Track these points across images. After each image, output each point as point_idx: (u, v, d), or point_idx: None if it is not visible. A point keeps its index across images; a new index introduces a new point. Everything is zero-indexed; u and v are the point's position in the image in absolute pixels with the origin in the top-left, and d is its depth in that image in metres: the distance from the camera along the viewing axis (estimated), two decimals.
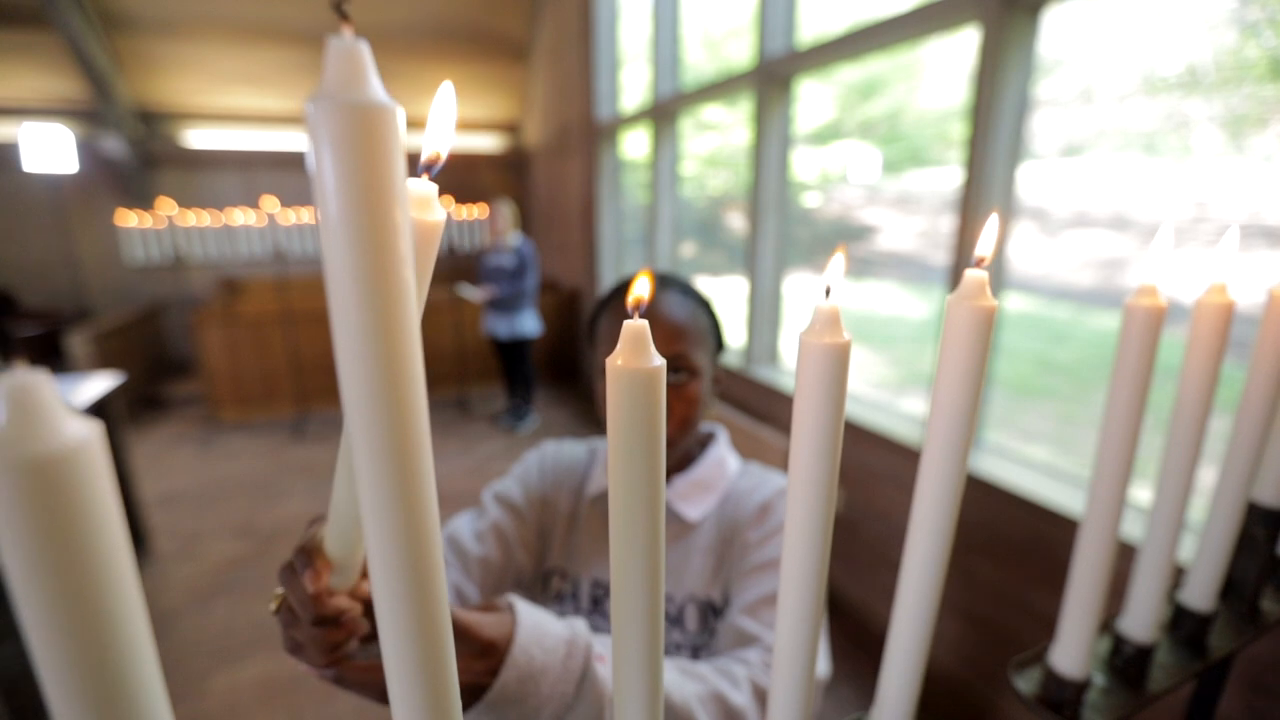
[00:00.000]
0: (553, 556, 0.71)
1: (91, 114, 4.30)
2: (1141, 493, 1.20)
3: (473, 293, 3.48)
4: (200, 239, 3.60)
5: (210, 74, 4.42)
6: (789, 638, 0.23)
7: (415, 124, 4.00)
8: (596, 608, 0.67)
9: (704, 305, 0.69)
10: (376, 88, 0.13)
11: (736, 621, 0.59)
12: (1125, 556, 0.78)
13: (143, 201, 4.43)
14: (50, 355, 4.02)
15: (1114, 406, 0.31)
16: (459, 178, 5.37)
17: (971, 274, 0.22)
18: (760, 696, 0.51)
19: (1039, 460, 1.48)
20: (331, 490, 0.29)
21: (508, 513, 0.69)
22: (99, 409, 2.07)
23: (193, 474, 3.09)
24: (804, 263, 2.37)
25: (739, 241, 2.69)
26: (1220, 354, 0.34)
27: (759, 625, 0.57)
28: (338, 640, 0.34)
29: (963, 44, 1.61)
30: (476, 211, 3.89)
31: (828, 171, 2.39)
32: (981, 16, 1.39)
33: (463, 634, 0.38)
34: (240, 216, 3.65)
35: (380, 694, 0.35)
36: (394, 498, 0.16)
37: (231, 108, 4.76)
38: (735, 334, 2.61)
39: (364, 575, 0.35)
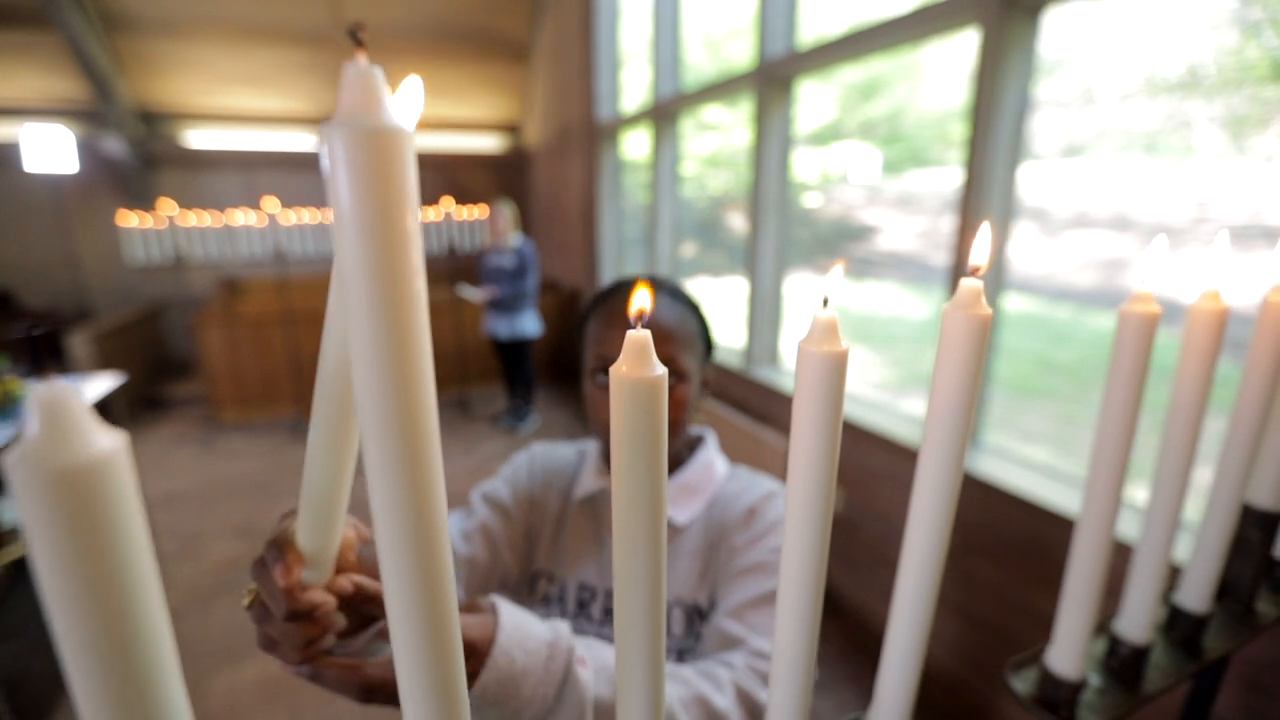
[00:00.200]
0: (540, 559, 0.70)
1: (92, 114, 4.30)
2: (1138, 492, 1.20)
3: (473, 293, 3.49)
4: (201, 239, 3.61)
5: (211, 74, 4.42)
6: (788, 639, 0.24)
7: (419, 125, 3.99)
8: (582, 610, 0.67)
9: (693, 309, 0.69)
10: (390, 111, 0.14)
11: (721, 624, 0.59)
12: (1121, 557, 0.78)
13: (143, 202, 4.43)
14: (51, 355, 4.02)
15: (1109, 410, 0.32)
16: (459, 178, 5.37)
17: (966, 283, 0.23)
18: (743, 699, 0.51)
19: (1038, 461, 1.49)
20: (301, 491, 0.29)
21: (496, 513, 0.69)
22: (100, 409, 2.08)
23: (193, 474, 3.10)
24: (804, 263, 2.37)
25: (739, 242, 2.69)
26: (1214, 358, 0.34)
27: (744, 628, 0.57)
28: (312, 636, 0.33)
29: (963, 44, 1.62)
30: (477, 212, 3.89)
31: (828, 172, 2.39)
32: (981, 18, 1.39)
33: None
34: (241, 217, 3.66)
35: (358, 691, 0.34)
36: (405, 496, 0.17)
37: (232, 108, 4.76)
38: (735, 334, 2.61)
39: (339, 569, 0.34)
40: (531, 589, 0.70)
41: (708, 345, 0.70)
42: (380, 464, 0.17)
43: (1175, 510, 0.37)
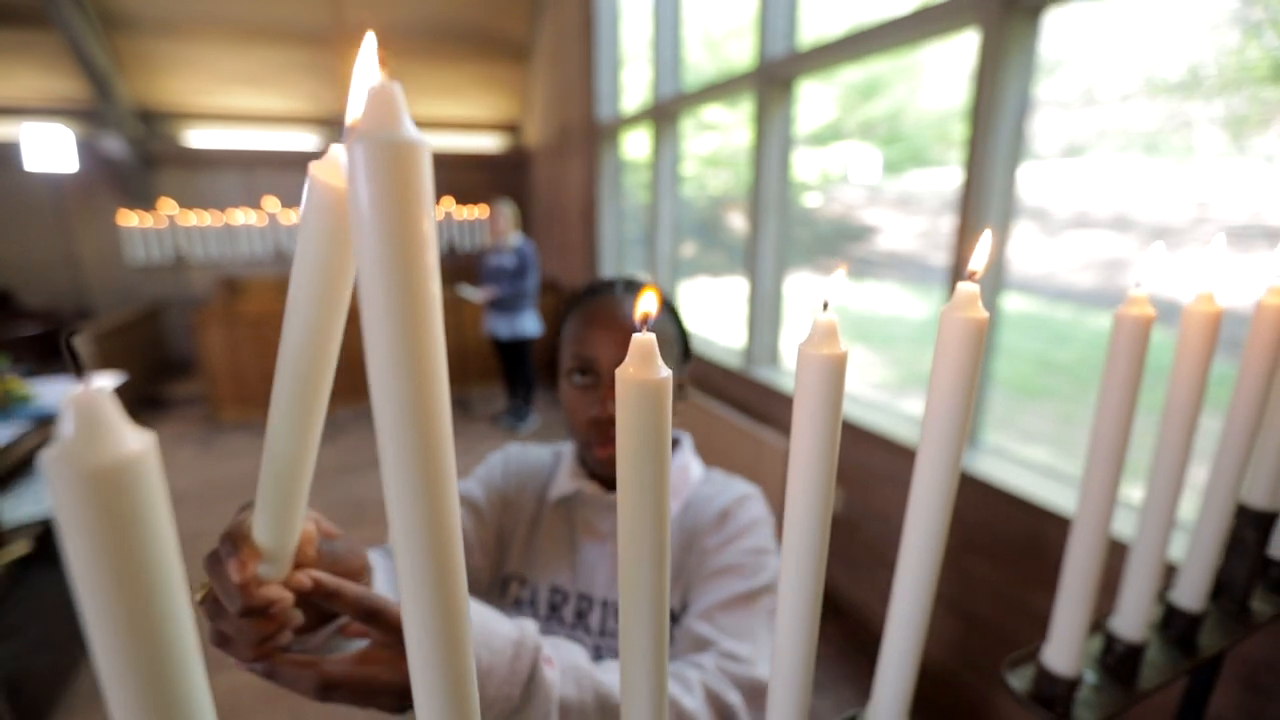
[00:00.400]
0: (511, 561, 0.70)
1: (92, 114, 4.30)
2: (1135, 491, 1.21)
3: (473, 293, 3.49)
4: (201, 239, 3.61)
5: (211, 74, 4.42)
6: (789, 640, 0.24)
7: (419, 125, 4.00)
8: (554, 614, 0.66)
9: (670, 312, 0.69)
10: (409, 126, 0.15)
11: (692, 626, 0.59)
12: (1117, 555, 0.78)
13: (144, 201, 4.43)
14: (50, 356, 4.02)
15: (1104, 411, 0.32)
16: (460, 178, 5.37)
17: (963, 287, 0.23)
18: (712, 700, 0.51)
19: (1037, 461, 1.49)
20: (259, 483, 0.28)
21: (468, 513, 0.68)
22: None
23: (193, 474, 3.11)
24: (805, 263, 2.38)
25: (739, 242, 2.70)
26: (1208, 360, 0.35)
27: (714, 630, 0.58)
28: (267, 632, 0.32)
29: (963, 45, 1.62)
30: (477, 212, 3.90)
31: (828, 172, 2.40)
32: (982, 19, 1.39)
33: (402, 631, 0.36)
34: (241, 216, 3.66)
35: (315, 688, 0.33)
36: (420, 492, 0.18)
37: (232, 108, 4.77)
38: (735, 334, 2.62)
39: (298, 565, 0.33)
40: (503, 592, 0.69)
41: (685, 349, 0.70)
42: (396, 458, 0.17)
43: (1171, 509, 0.37)
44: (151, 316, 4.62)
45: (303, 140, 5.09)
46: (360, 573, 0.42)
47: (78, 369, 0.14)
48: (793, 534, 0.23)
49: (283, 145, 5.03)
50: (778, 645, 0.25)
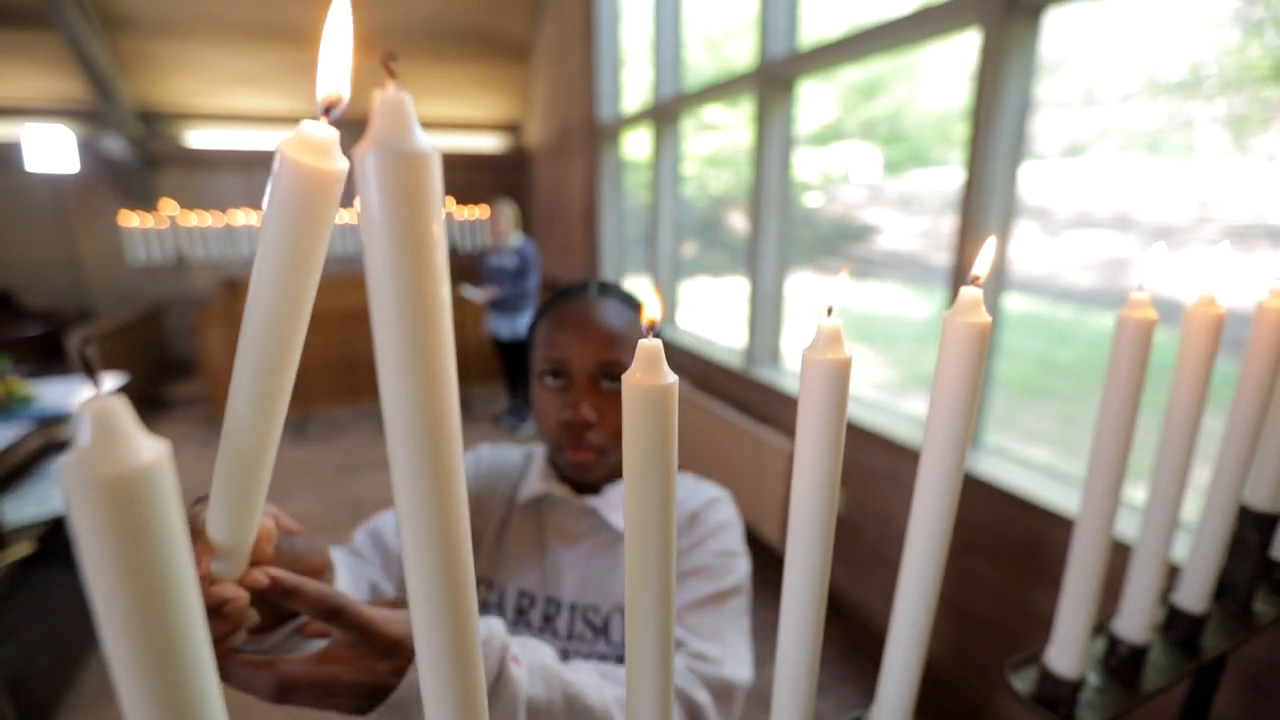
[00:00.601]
0: (479, 564, 0.69)
1: (93, 114, 4.31)
2: (1137, 492, 1.21)
3: (474, 293, 3.49)
4: (202, 239, 3.62)
5: (212, 74, 4.43)
6: (792, 644, 0.25)
7: (420, 125, 4.01)
8: (521, 618, 0.66)
9: (640, 314, 0.68)
10: (420, 136, 0.15)
11: None
12: (1120, 556, 0.78)
13: (145, 202, 4.44)
14: (52, 356, 4.03)
15: (1107, 413, 0.32)
16: (461, 178, 5.37)
17: (967, 292, 0.23)
18: (682, 700, 0.51)
19: (1038, 461, 1.49)
20: (215, 475, 0.26)
21: None
22: None
23: (195, 474, 3.11)
24: (805, 263, 2.38)
25: (740, 241, 2.70)
26: (1210, 363, 0.35)
27: (683, 631, 0.58)
28: (221, 633, 0.31)
29: (964, 45, 1.62)
30: (478, 212, 3.90)
31: (829, 172, 2.40)
32: (983, 19, 1.39)
33: (366, 630, 0.35)
34: (242, 217, 3.67)
35: (272, 690, 0.32)
36: (429, 491, 0.18)
37: (233, 108, 4.77)
38: (736, 334, 2.62)
39: (255, 562, 0.32)
40: None
41: None
42: (406, 461, 0.17)
43: (1173, 512, 0.37)
44: (153, 317, 4.62)
45: None
46: (321, 570, 0.41)
47: (92, 377, 0.14)
48: (798, 538, 0.23)
49: None
50: (782, 648, 0.25)
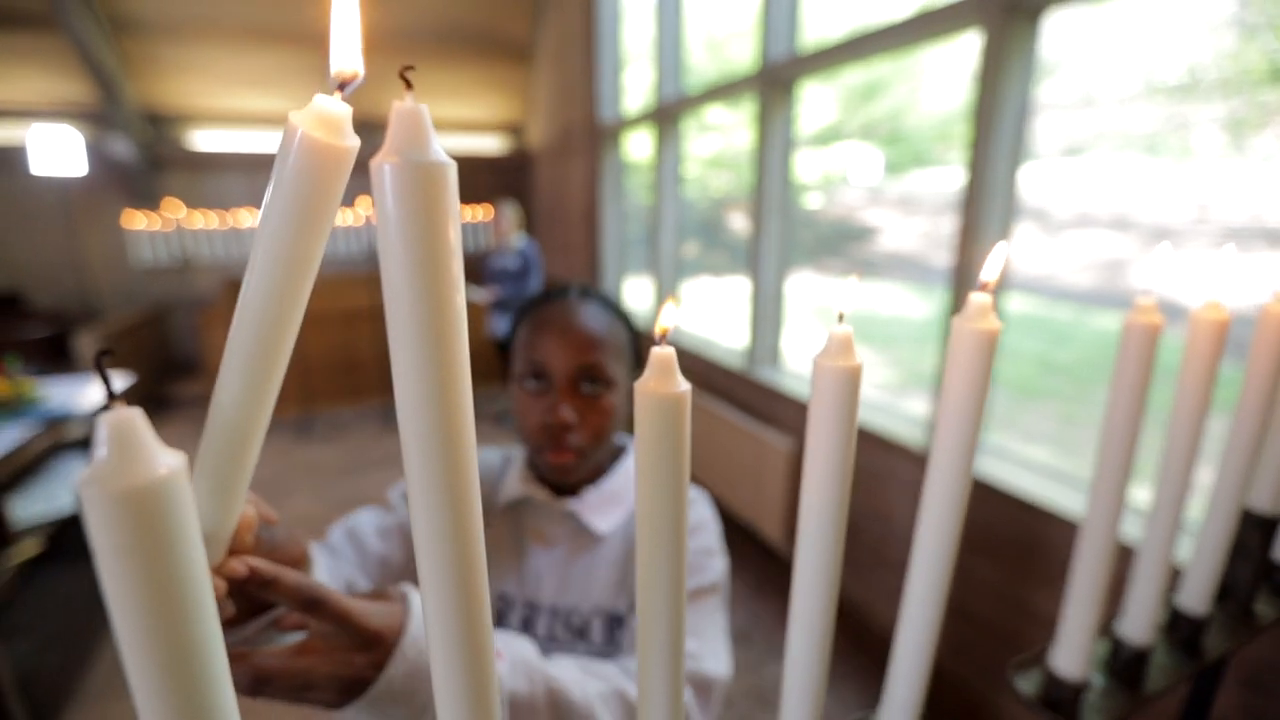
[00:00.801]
0: None
1: (99, 116, 4.32)
2: (1140, 493, 1.21)
3: (477, 294, 3.50)
4: (207, 240, 3.63)
5: (217, 76, 4.44)
6: (802, 648, 0.25)
7: None
8: (499, 622, 0.66)
9: (623, 319, 0.69)
10: (436, 147, 0.15)
11: None
12: (1123, 558, 0.78)
13: (150, 203, 4.46)
14: (58, 357, 4.05)
15: (1113, 417, 0.33)
16: (463, 179, 5.38)
17: (976, 298, 0.24)
18: None
19: (1038, 461, 1.49)
20: (198, 458, 0.25)
21: None
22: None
23: None
24: (806, 263, 2.38)
25: (741, 242, 2.70)
26: (1215, 368, 0.35)
27: None
28: None
29: (964, 46, 1.62)
30: (480, 213, 3.90)
31: (830, 173, 2.40)
32: (984, 21, 1.39)
33: (345, 622, 0.34)
34: (247, 218, 3.68)
35: (247, 683, 0.32)
36: (443, 495, 0.18)
37: (238, 110, 4.78)
38: (737, 335, 2.62)
39: (234, 551, 0.31)
40: None
41: (637, 357, 0.70)
42: (420, 464, 0.18)
43: (1176, 514, 0.38)
44: (158, 317, 4.64)
45: None
46: (300, 561, 0.40)
47: (109, 388, 0.14)
48: (807, 542, 0.23)
49: None
50: (791, 652, 0.26)
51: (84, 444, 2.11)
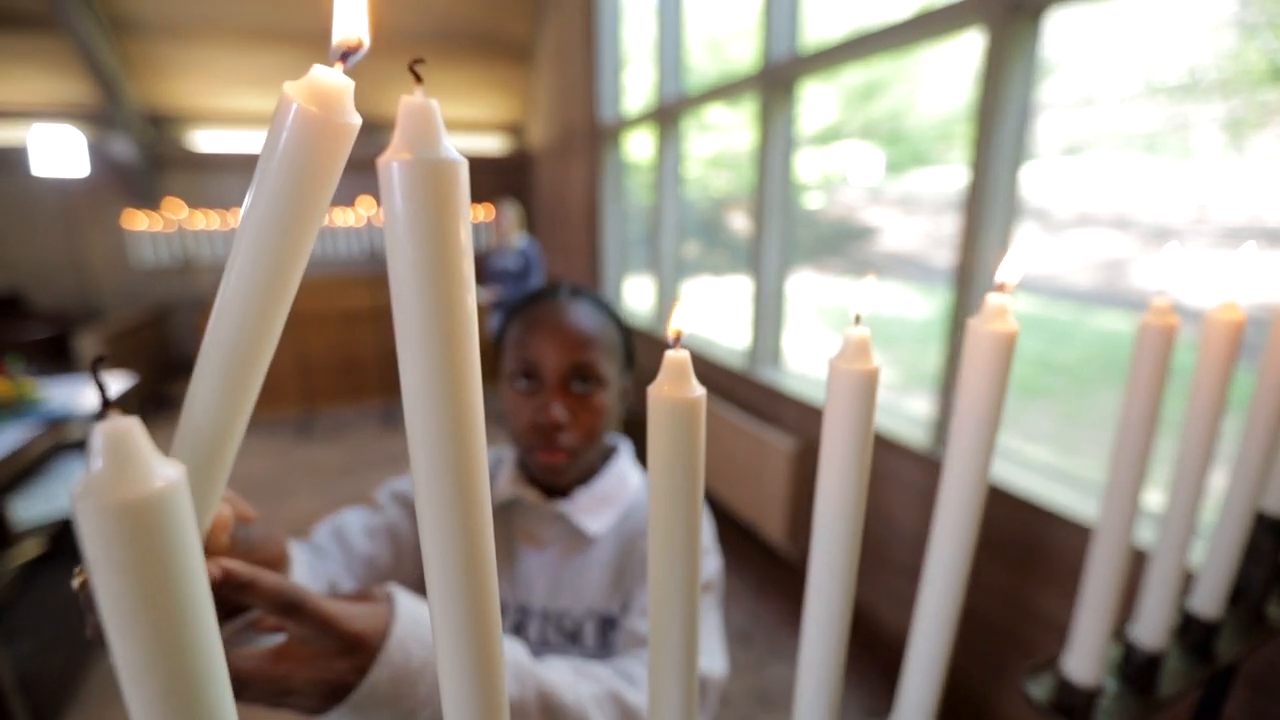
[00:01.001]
0: None
1: (100, 117, 4.33)
2: (1153, 496, 1.21)
3: (478, 294, 3.50)
4: (208, 240, 3.63)
5: (218, 77, 4.44)
6: (816, 653, 0.24)
7: None
8: None
9: (614, 319, 0.68)
10: (447, 145, 0.15)
11: (635, 625, 0.59)
12: (1134, 562, 0.78)
13: (151, 203, 4.46)
14: (59, 357, 4.05)
15: (1128, 420, 0.32)
16: None
17: (994, 299, 0.23)
18: None
19: (1038, 460, 1.49)
20: (172, 451, 0.23)
21: (405, 513, 0.67)
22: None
23: None
24: (807, 263, 2.37)
25: (742, 242, 2.69)
26: (1230, 370, 0.35)
27: None
28: None
29: (965, 46, 1.62)
30: (482, 213, 3.90)
31: (831, 172, 2.39)
32: (985, 21, 1.39)
33: (327, 626, 0.33)
34: None
35: None
36: (452, 496, 0.17)
37: (239, 110, 4.78)
38: (739, 334, 2.61)
39: (208, 552, 0.30)
40: None
41: (628, 356, 0.69)
42: (429, 464, 0.17)
43: (1190, 519, 0.37)
44: (159, 318, 4.64)
45: None
46: (278, 562, 0.39)
47: (104, 397, 0.13)
48: (822, 545, 0.23)
49: None
50: (802, 655, 0.25)
51: (85, 445, 2.11)
